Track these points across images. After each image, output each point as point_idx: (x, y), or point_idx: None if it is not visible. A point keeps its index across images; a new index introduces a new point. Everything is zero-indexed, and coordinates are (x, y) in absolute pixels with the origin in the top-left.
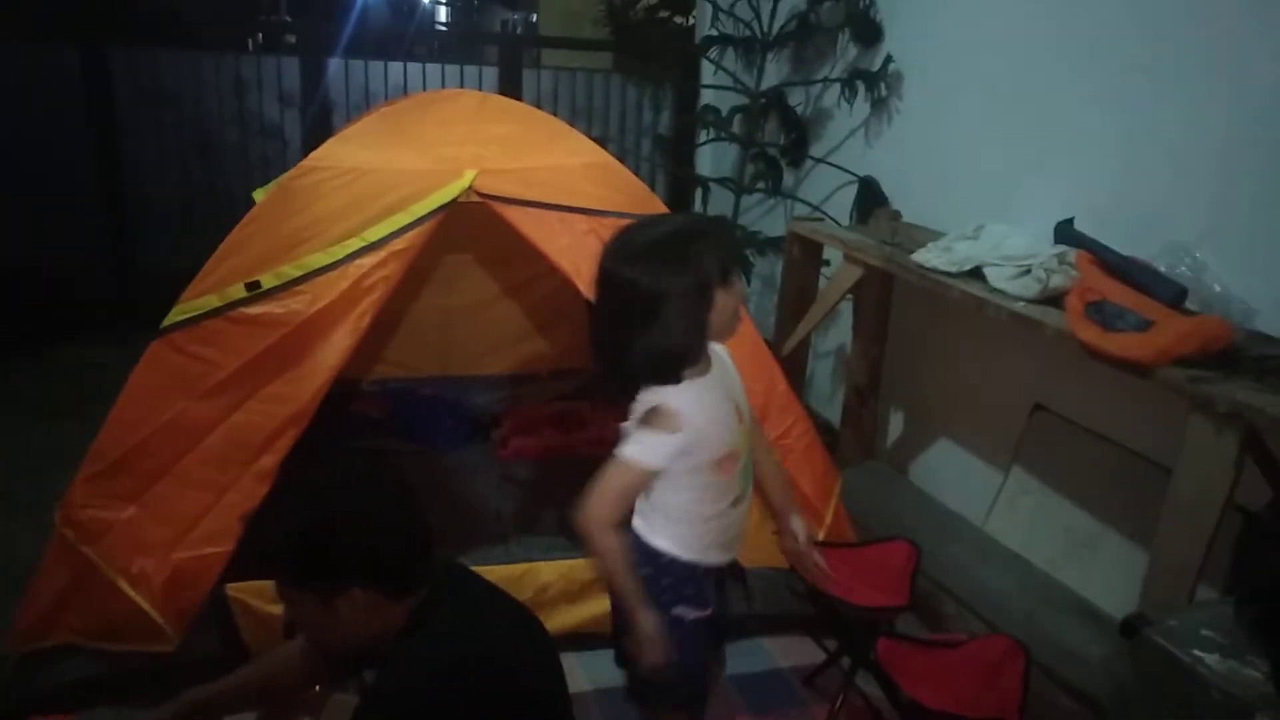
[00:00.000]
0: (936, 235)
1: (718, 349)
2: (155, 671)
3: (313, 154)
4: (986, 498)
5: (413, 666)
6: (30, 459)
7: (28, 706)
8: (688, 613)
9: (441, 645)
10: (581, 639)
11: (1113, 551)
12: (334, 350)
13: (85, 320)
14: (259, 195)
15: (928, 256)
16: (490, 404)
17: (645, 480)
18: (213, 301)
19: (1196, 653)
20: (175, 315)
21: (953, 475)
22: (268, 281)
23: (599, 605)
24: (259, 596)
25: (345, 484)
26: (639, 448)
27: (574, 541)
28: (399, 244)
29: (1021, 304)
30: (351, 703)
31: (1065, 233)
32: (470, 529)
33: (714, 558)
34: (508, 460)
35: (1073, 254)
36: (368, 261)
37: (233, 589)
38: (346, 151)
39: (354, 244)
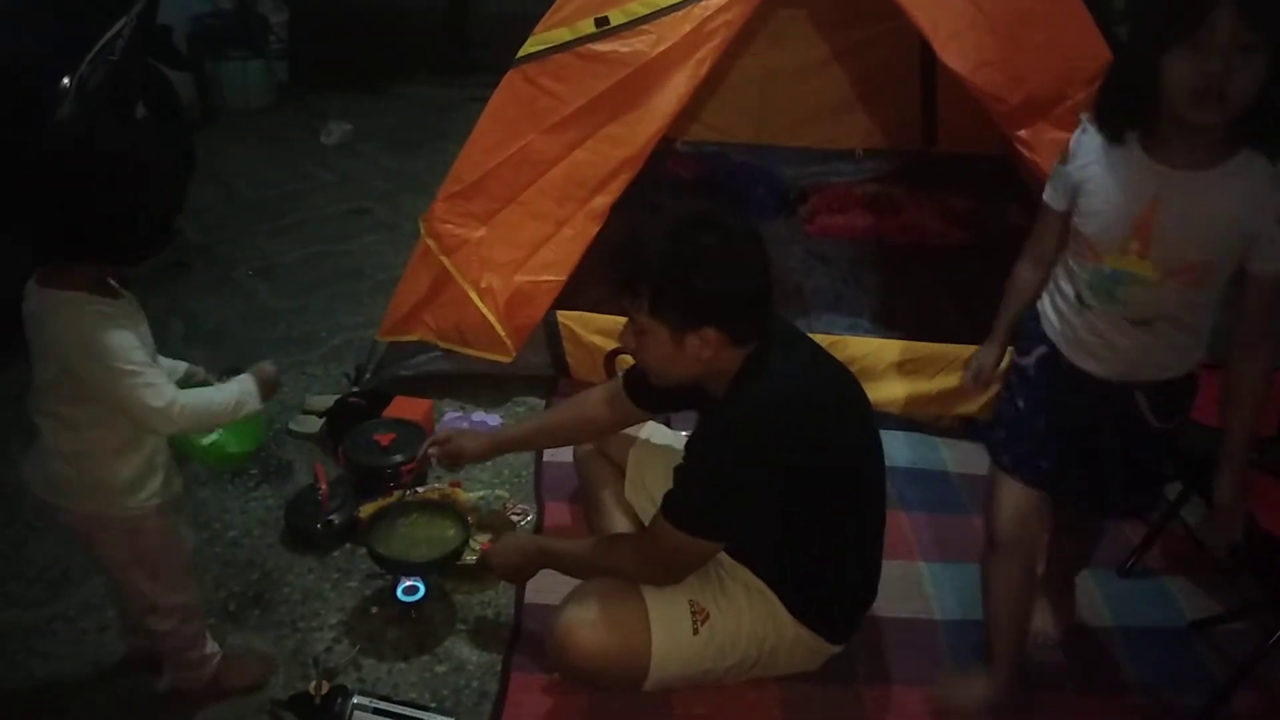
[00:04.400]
0: None
1: None
2: (494, 377)
3: None
4: None
5: (752, 403)
6: (383, 183)
7: (391, 387)
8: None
9: (776, 387)
10: (882, 418)
11: None
12: (671, 95)
13: (424, 62)
14: None
15: None
16: (800, 178)
17: None
18: (564, 35)
19: None
20: (529, 47)
21: None
22: (616, 18)
23: (905, 387)
24: (584, 326)
25: (710, 223)
26: None
27: (879, 324)
28: None
29: None
30: (655, 445)
31: None
32: (774, 298)
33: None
34: (813, 237)
35: None
36: (713, 3)
37: (563, 316)
38: None
39: None
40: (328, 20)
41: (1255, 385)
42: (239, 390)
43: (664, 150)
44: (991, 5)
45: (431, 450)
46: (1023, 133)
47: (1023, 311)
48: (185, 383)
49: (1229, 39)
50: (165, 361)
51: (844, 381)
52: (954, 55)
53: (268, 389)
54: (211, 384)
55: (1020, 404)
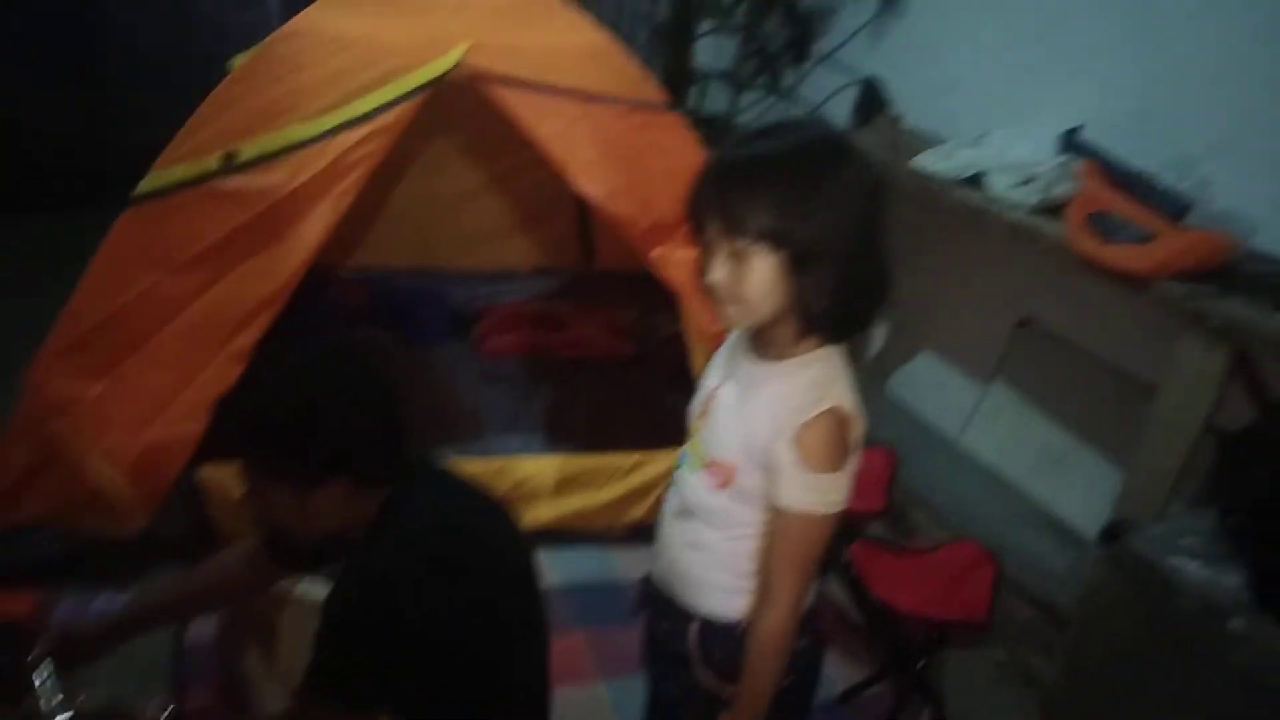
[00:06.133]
0: (937, 141)
1: None
2: (123, 552)
3: (295, 19)
4: (964, 411)
5: (390, 552)
6: None
7: None
8: None
9: (418, 531)
10: (557, 536)
11: (1086, 468)
12: (313, 228)
13: (56, 190)
14: (236, 64)
15: (928, 162)
16: (470, 299)
17: None
18: (187, 171)
19: (1175, 560)
20: (148, 184)
21: (932, 387)
22: (246, 153)
23: (577, 501)
24: (231, 479)
25: (326, 368)
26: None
27: (552, 439)
28: (384, 120)
29: (1021, 213)
30: (311, 604)
31: (1071, 142)
32: (447, 423)
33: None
34: (486, 357)
35: (1077, 164)
36: (351, 137)
37: (204, 471)
38: (331, 18)
39: (337, 117)
40: None
41: (761, 643)
42: None
43: (327, 279)
44: (617, 139)
45: (38, 655)
46: (655, 252)
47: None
48: None
49: (722, 248)
50: None
51: (493, 514)
52: (588, 184)
53: None
54: None
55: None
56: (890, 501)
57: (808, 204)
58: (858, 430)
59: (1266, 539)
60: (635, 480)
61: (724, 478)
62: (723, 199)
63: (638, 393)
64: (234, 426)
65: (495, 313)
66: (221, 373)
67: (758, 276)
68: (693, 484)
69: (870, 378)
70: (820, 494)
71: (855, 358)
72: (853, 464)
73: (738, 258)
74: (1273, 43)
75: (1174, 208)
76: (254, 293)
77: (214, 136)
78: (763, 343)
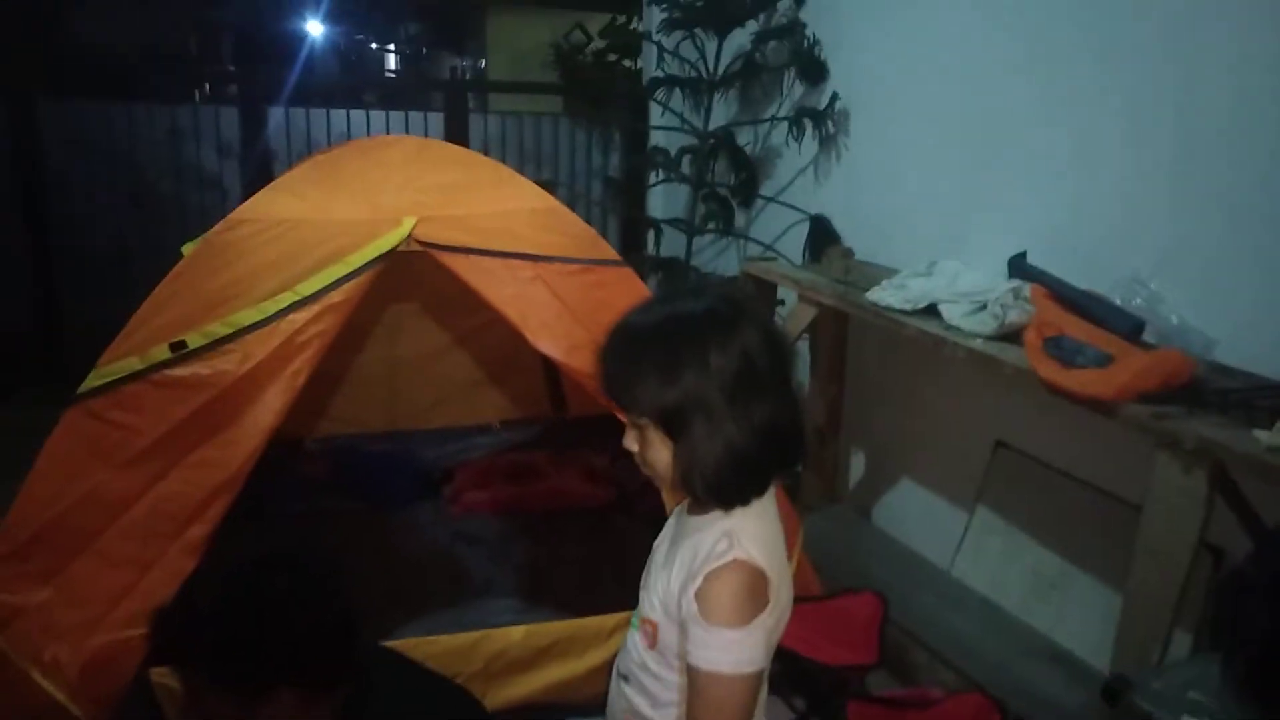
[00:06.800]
0: (890, 272)
1: None
2: None
3: (242, 206)
4: (952, 539)
5: None
6: None
7: None
8: None
9: None
10: (537, 711)
11: (1083, 592)
12: (267, 411)
13: (13, 382)
14: (188, 249)
15: (882, 294)
16: (441, 458)
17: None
18: (134, 364)
19: (1185, 719)
20: (93, 380)
21: (917, 517)
22: (194, 341)
23: (556, 672)
24: None
25: (269, 571)
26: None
27: (531, 603)
28: (335, 297)
29: (979, 341)
30: None
31: (1019, 267)
32: (422, 592)
33: None
34: (461, 516)
35: (1027, 289)
36: (301, 317)
37: (158, 674)
38: (278, 202)
39: (286, 299)
40: None
41: None
42: None
43: (292, 451)
44: (571, 297)
45: None
46: None
47: None
48: None
49: (628, 420)
50: None
51: (457, 707)
52: (546, 343)
53: None
54: None
55: None
56: (884, 650)
57: (671, 375)
58: (776, 588)
59: (1273, 690)
60: (619, 642)
61: (652, 636)
62: (607, 382)
63: (620, 542)
64: (171, 639)
65: (469, 468)
66: (176, 567)
67: (655, 446)
68: (631, 645)
69: (853, 510)
70: (725, 651)
71: (836, 492)
72: (766, 621)
73: (639, 429)
74: (1206, 159)
75: (1127, 327)
76: (207, 481)
77: (160, 329)
78: (693, 499)
